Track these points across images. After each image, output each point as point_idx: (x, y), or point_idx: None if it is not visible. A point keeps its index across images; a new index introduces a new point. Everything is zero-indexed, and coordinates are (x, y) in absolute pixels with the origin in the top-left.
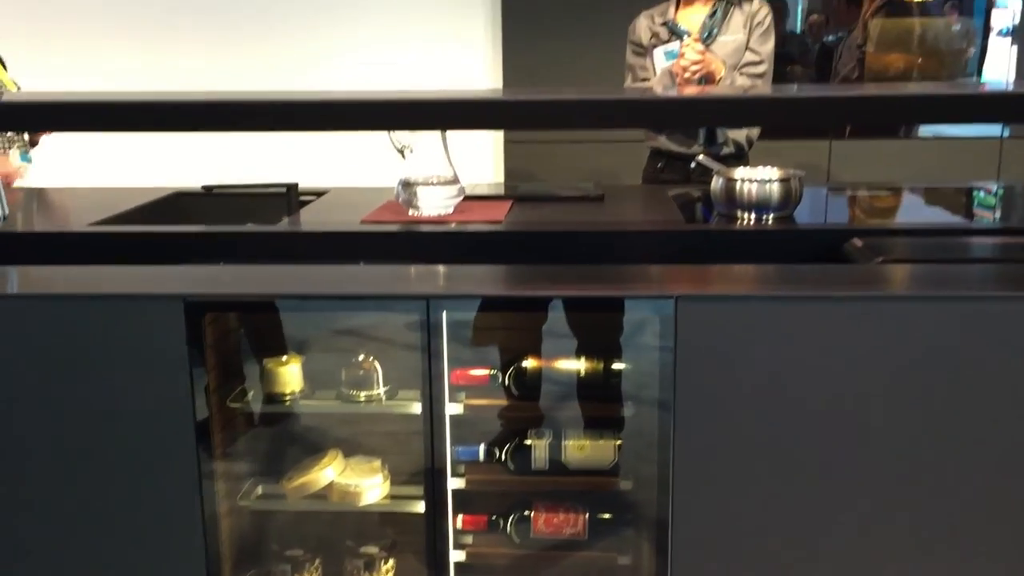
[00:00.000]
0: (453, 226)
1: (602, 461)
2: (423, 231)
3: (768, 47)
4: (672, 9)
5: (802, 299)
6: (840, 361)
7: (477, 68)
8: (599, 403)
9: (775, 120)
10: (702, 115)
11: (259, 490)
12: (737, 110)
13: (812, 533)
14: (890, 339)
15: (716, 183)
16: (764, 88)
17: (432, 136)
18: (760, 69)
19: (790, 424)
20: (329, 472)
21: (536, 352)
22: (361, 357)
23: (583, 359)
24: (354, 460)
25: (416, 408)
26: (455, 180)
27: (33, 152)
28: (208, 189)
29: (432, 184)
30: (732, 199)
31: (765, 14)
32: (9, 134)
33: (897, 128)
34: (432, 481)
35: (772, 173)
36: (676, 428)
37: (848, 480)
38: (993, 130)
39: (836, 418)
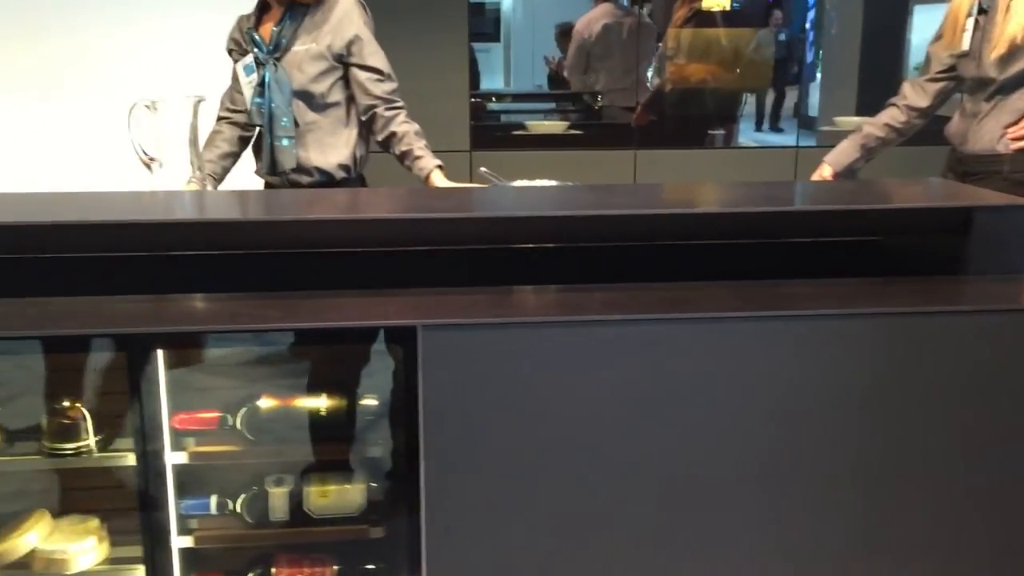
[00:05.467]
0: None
1: (349, 507)
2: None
3: (383, 57)
4: (255, 17)
5: (551, 324)
6: (594, 387)
7: None
8: (343, 444)
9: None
10: None
11: None
12: None
13: (573, 570)
14: (641, 362)
15: None
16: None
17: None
18: (390, 86)
19: (545, 457)
20: (31, 538)
21: (272, 390)
22: (66, 404)
23: (324, 396)
24: (66, 521)
25: (133, 459)
26: None
27: None
28: None
29: None
30: None
31: (362, 15)
32: None
33: (701, 138)
34: (152, 542)
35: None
36: (424, 467)
37: (609, 510)
38: (789, 140)
39: (595, 448)
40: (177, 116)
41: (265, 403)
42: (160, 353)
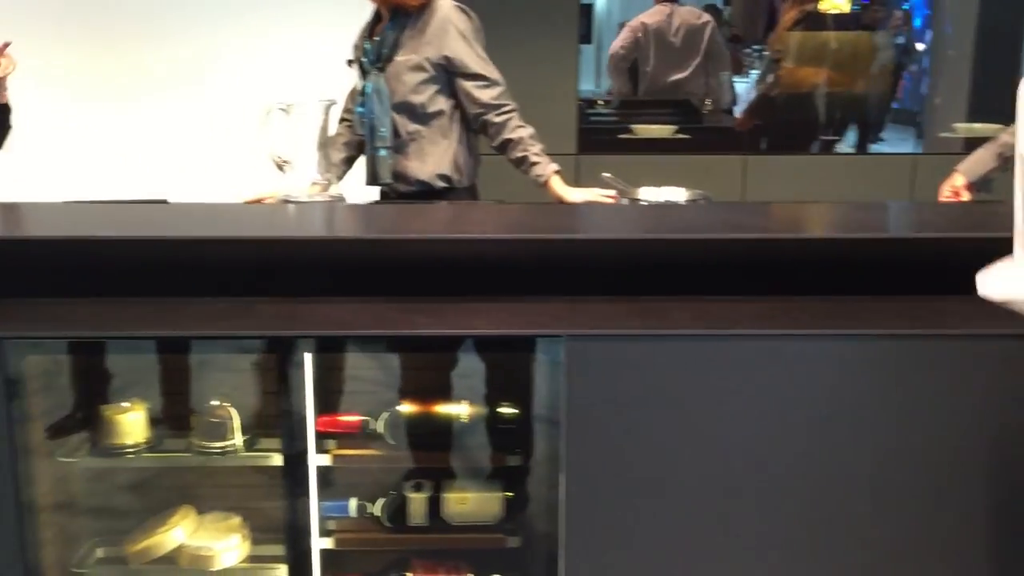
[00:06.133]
0: None
1: (486, 515)
2: None
3: (486, 62)
4: (370, 26)
5: (700, 338)
6: (740, 400)
7: None
8: (482, 451)
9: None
10: None
11: (99, 553)
12: None
13: None
14: (790, 377)
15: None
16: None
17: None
18: (496, 91)
19: (688, 470)
20: (177, 533)
21: (413, 396)
22: (215, 403)
23: (465, 403)
24: (210, 518)
25: (278, 459)
26: (340, 199)
27: None
28: None
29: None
30: None
31: (461, 21)
32: None
33: (811, 144)
34: (294, 542)
35: (680, 194)
36: (565, 478)
37: (754, 526)
38: (907, 146)
39: (740, 462)
40: (308, 119)
41: (406, 408)
42: (308, 356)
